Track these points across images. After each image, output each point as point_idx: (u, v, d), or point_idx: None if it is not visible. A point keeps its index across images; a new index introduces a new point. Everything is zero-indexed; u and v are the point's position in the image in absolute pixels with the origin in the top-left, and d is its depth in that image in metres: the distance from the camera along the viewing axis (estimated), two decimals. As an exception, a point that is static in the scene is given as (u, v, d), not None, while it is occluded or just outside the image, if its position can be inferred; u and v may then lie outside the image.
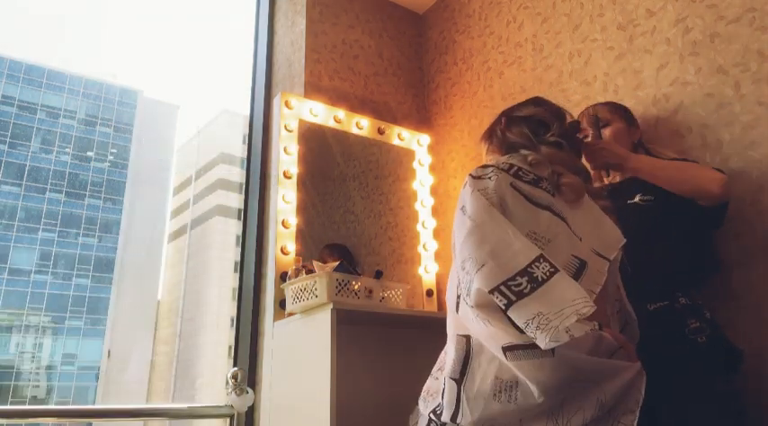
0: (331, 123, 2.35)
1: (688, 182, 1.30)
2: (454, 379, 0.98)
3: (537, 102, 1.26)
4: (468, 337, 1.02)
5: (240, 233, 2.74)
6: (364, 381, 1.81)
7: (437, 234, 2.48)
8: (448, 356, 1.05)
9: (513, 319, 0.89)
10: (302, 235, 2.11)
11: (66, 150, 28.56)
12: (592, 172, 1.37)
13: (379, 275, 1.86)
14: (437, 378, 1.12)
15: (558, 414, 0.89)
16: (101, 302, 27.49)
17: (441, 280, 2.42)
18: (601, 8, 1.94)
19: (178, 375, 27.82)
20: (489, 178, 1.06)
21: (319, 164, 2.30)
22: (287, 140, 2.20)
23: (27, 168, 27.33)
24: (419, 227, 2.46)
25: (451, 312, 1.09)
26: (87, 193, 28.57)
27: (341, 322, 1.64)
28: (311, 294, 1.71)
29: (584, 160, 1.32)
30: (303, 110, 2.27)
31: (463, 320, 1.03)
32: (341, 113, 2.37)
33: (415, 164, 2.56)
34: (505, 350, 0.91)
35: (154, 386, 28.64)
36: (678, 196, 1.32)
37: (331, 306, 1.63)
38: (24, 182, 27.16)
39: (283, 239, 2.05)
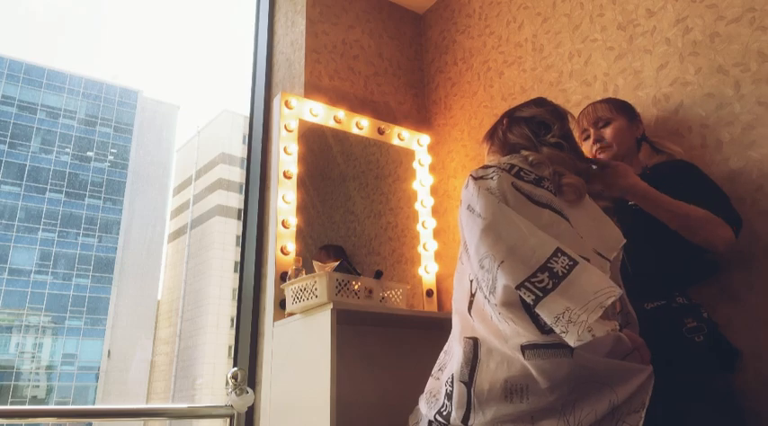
0: (331, 123, 2.35)
1: (696, 235, 1.25)
2: (463, 382, 0.98)
3: (539, 102, 1.26)
4: (475, 339, 1.02)
5: (240, 233, 2.74)
6: (364, 381, 1.81)
7: (437, 234, 2.48)
8: (455, 358, 1.05)
9: (541, 315, 0.90)
10: (302, 235, 2.11)
11: (66, 150, 28.54)
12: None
13: (379, 275, 1.86)
14: (438, 379, 1.13)
15: (570, 414, 0.90)
16: (101, 302, 27.47)
17: (441, 280, 2.42)
18: (601, 8, 1.94)
19: (178, 375, 27.81)
20: (491, 178, 1.06)
21: (319, 164, 2.30)
22: (287, 140, 2.20)
23: (27, 168, 27.32)
24: (419, 227, 2.46)
25: (458, 312, 1.09)
26: (87, 193, 28.56)
27: (341, 322, 1.64)
28: (311, 294, 1.71)
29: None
30: (303, 110, 2.27)
31: (475, 321, 1.03)
32: (341, 113, 2.37)
33: (415, 164, 2.56)
34: (524, 348, 0.92)
35: (154, 386, 28.63)
36: (677, 193, 1.31)
37: (331, 306, 1.63)
38: (24, 182, 27.15)
39: (283, 239, 2.05)
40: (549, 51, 2.12)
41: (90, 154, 29.23)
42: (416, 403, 1.17)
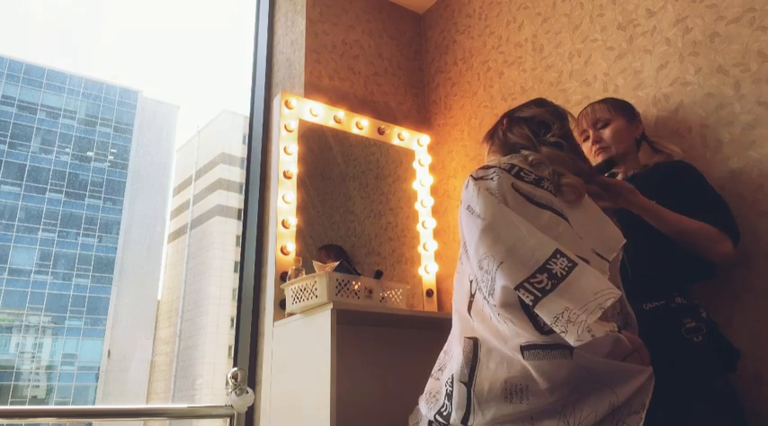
0: (331, 123, 2.35)
1: (695, 248, 1.27)
2: (463, 382, 0.98)
3: (539, 102, 1.26)
4: (475, 339, 1.02)
5: (240, 233, 2.74)
6: (364, 381, 1.81)
7: (437, 234, 2.48)
8: (454, 358, 1.05)
9: (540, 316, 0.90)
10: (302, 235, 2.11)
11: (66, 150, 28.55)
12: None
13: (379, 275, 1.86)
14: (437, 379, 1.13)
15: (571, 415, 0.90)
16: (101, 302, 27.48)
17: (441, 280, 2.42)
18: (601, 8, 1.94)
19: (178, 375, 27.82)
20: (491, 178, 1.06)
21: (319, 164, 2.30)
22: (287, 140, 2.20)
23: (27, 168, 27.32)
24: (419, 227, 2.46)
25: (458, 313, 1.09)
26: (87, 193, 28.57)
27: (341, 322, 1.64)
28: (311, 294, 1.71)
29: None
30: (303, 111, 2.27)
31: (475, 321, 1.03)
32: (341, 113, 2.37)
33: (415, 164, 2.56)
34: (524, 349, 0.92)
35: (154, 386, 28.64)
36: (675, 197, 1.31)
37: (331, 306, 1.63)
38: (24, 182, 27.16)
39: (283, 239, 2.05)
40: (549, 51, 2.12)
41: (90, 154, 29.24)
42: (416, 403, 1.17)
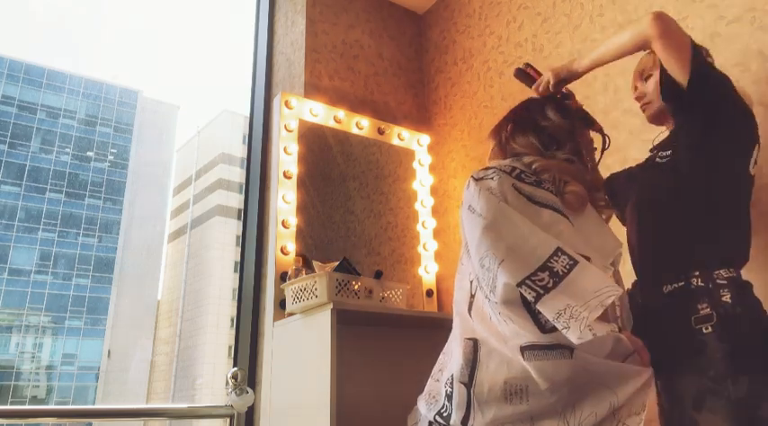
0: (331, 123, 2.35)
1: (626, 35, 1.19)
2: (463, 383, 0.98)
3: (564, 111, 1.22)
4: (475, 340, 1.02)
5: (240, 233, 2.74)
6: (364, 381, 1.81)
7: (437, 234, 2.48)
8: (454, 359, 1.05)
9: (542, 312, 0.90)
10: (302, 235, 2.11)
11: (66, 150, 28.55)
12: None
13: (379, 275, 1.86)
14: (437, 380, 1.12)
15: (571, 415, 0.90)
16: (101, 302, 27.48)
17: (441, 280, 2.42)
18: (601, 8, 1.94)
19: (178, 375, 27.82)
20: (491, 178, 1.06)
21: (319, 164, 2.30)
22: (287, 140, 2.20)
23: (27, 168, 27.31)
24: (419, 227, 2.46)
25: (458, 314, 1.10)
26: (87, 193, 28.56)
27: (341, 322, 1.64)
28: (311, 294, 1.71)
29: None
30: (303, 111, 2.27)
31: (475, 321, 1.03)
32: (341, 113, 2.37)
33: (415, 164, 2.56)
34: (524, 349, 0.92)
35: (154, 386, 28.64)
36: (703, 145, 1.12)
37: (331, 306, 1.63)
38: (24, 182, 27.15)
39: (283, 239, 2.05)
40: (549, 51, 2.12)
41: (90, 154, 29.24)
42: (416, 402, 1.17)
